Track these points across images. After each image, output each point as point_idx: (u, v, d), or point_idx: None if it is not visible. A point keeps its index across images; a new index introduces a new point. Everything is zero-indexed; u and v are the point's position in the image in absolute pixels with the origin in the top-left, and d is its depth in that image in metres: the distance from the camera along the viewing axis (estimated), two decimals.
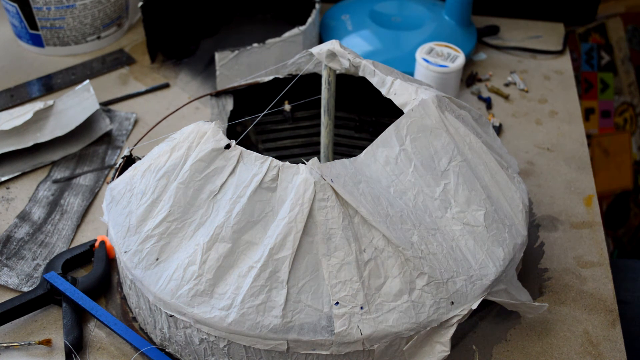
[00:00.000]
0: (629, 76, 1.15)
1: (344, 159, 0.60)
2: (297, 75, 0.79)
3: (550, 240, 0.74)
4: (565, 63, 0.96)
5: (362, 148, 0.84)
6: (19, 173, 0.79)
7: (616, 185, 1.14)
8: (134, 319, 0.66)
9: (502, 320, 0.67)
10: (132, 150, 0.71)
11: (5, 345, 0.63)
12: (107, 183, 0.78)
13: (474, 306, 0.58)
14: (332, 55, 0.68)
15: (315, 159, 0.58)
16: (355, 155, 0.61)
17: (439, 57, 0.85)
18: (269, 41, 0.86)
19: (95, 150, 0.82)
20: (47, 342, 0.64)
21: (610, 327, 0.67)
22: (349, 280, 0.56)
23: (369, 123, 0.83)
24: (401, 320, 0.56)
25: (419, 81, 0.71)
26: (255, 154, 0.59)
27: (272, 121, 0.83)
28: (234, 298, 0.57)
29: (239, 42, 0.98)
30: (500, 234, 0.61)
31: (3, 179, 0.78)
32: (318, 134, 0.83)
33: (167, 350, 0.62)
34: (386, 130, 0.62)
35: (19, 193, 0.78)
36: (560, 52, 0.97)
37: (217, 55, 0.86)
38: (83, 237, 0.73)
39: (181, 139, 0.62)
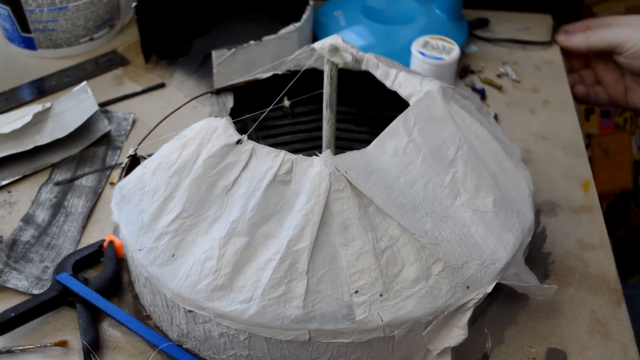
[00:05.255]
0: None
1: (354, 151, 0.61)
2: (296, 71, 0.79)
3: (552, 225, 0.76)
4: (554, 54, 0.98)
5: (362, 141, 0.85)
6: (20, 176, 0.79)
7: (616, 185, 1.14)
8: (148, 317, 0.66)
9: (511, 304, 0.68)
10: (136, 149, 0.72)
11: (21, 348, 0.63)
12: (111, 183, 0.79)
13: (489, 290, 0.59)
14: (334, 49, 0.69)
15: (328, 151, 0.59)
16: (356, 149, 0.62)
17: (435, 50, 0.86)
18: (266, 38, 0.86)
19: (95, 151, 0.82)
20: (63, 344, 0.64)
21: (616, 306, 0.68)
22: (368, 269, 0.57)
23: (368, 116, 0.84)
24: (420, 306, 0.57)
25: (419, 73, 0.72)
26: (267, 148, 0.60)
27: (272, 117, 0.83)
28: (253, 291, 0.57)
29: (232, 41, 0.99)
30: (509, 219, 0.63)
31: (4, 182, 0.78)
32: (317, 129, 0.84)
33: (184, 346, 0.63)
34: (394, 121, 0.63)
35: (21, 196, 0.77)
36: (549, 43, 0.99)
37: (214, 54, 0.86)
38: (89, 238, 0.73)
39: (191, 136, 0.62)
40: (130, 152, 0.71)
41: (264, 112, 0.68)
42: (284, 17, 1.01)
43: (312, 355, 0.59)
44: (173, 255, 0.60)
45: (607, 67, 0.94)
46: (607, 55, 0.93)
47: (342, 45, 0.69)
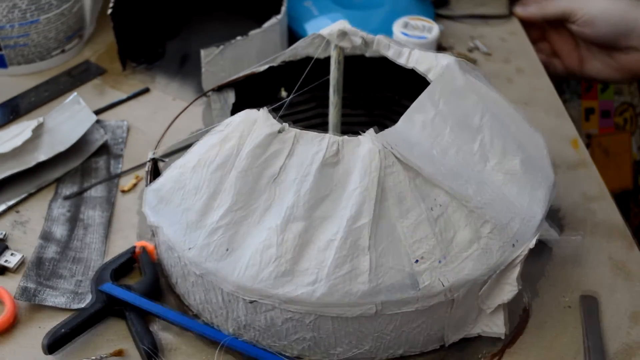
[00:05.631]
0: None
1: (389, 128, 0.63)
2: (291, 61, 0.80)
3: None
4: (515, 25, 1.03)
5: (361, 124, 0.87)
6: (26, 195, 0.77)
7: (616, 185, 1.15)
8: (196, 316, 0.66)
9: (536, 260, 0.72)
10: (155, 152, 0.71)
11: None
12: (122, 191, 0.78)
13: (532, 245, 0.63)
14: (343, 34, 0.71)
15: (371, 129, 0.61)
16: (358, 132, 0.63)
17: (416, 30, 0.89)
18: (251, 33, 0.87)
19: (96, 161, 0.81)
20: (120, 353, 0.63)
21: (630, 249, 0.73)
22: (425, 238, 0.59)
23: (362, 99, 0.86)
24: (475, 267, 0.60)
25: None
26: (311, 133, 0.61)
27: (271, 110, 0.84)
28: (318, 272, 0.58)
29: (203, 41, 0.98)
30: (535, 178, 0.66)
31: (10, 203, 0.76)
32: (316, 116, 0.85)
33: (241, 339, 0.63)
34: (420, 96, 0.65)
35: (32, 214, 0.75)
36: (508, 16, 1.04)
37: (202, 53, 0.86)
38: (115, 247, 0.72)
39: (230, 130, 0.63)
40: (150, 155, 0.71)
41: (289, 98, 0.69)
42: (248, 14, 1.02)
43: (376, 328, 0.61)
44: (227, 249, 0.60)
45: (563, 38, 0.99)
46: (562, 26, 0.98)
47: (351, 30, 0.70)
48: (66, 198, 0.77)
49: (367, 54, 0.81)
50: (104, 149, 0.82)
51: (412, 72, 0.80)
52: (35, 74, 0.93)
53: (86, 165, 0.80)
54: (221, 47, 0.86)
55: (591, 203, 0.78)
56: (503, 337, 0.64)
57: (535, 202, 0.65)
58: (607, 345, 0.65)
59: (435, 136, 0.64)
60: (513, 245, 0.62)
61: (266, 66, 0.81)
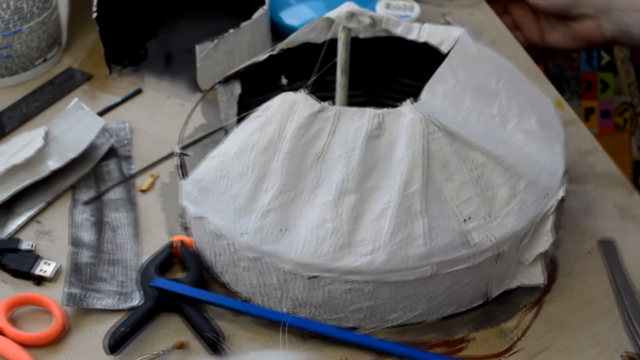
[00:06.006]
0: (629, 76, 1.16)
1: (420, 100, 0.65)
2: (289, 48, 0.82)
3: None
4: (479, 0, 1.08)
5: (361, 104, 0.89)
6: (44, 204, 0.75)
7: None
8: (247, 300, 0.67)
9: None
10: (180, 147, 0.72)
11: (144, 358, 0.62)
12: (141, 191, 0.78)
13: (560, 195, 0.67)
14: (351, 15, 0.73)
15: (407, 100, 0.64)
16: None
17: (399, 10, 0.92)
18: (243, 24, 0.88)
19: (106, 165, 0.80)
20: (182, 345, 0.63)
21: (631, 195, 0.79)
22: (470, 198, 0.63)
23: (359, 79, 0.88)
24: (517, 222, 0.64)
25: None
26: (351, 109, 0.63)
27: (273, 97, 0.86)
28: (375, 241, 0.61)
29: (182, 39, 0.99)
30: (550, 134, 0.71)
31: (30, 214, 0.74)
32: (320, 100, 0.87)
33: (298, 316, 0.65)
34: (440, 67, 0.69)
35: (54, 223, 0.74)
36: None
37: (197, 48, 0.86)
38: (148, 246, 0.72)
39: (270, 114, 0.64)
40: (177, 150, 0.71)
41: (310, 80, 0.71)
42: (222, 9, 1.03)
43: (430, 290, 0.63)
44: (282, 230, 0.62)
45: (523, 11, 1.04)
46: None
47: (359, 10, 0.73)
48: (86, 203, 0.76)
49: (361, 36, 0.83)
50: (111, 152, 0.81)
51: (405, 50, 0.84)
52: (19, 86, 0.91)
53: (97, 169, 0.80)
54: (215, 41, 0.87)
55: (587, 157, 0.83)
56: (542, 286, 0.68)
57: (555, 156, 0.69)
58: (632, 283, 0.70)
59: (456, 104, 0.68)
60: (544, 197, 0.66)
61: (266, 55, 0.83)
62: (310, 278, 0.62)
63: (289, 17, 1.00)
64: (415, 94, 0.85)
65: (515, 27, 1.06)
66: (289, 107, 0.63)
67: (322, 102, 0.63)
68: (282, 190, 0.62)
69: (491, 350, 0.65)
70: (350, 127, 0.62)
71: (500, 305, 0.68)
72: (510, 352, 0.64)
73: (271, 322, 0.65)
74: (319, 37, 0.81)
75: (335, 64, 0.87)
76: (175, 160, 0.71)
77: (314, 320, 0.65)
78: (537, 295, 0.69)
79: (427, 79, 0.84)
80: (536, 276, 0.67)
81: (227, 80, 0.81)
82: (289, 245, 0.61)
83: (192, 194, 0.66)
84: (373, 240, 0.61)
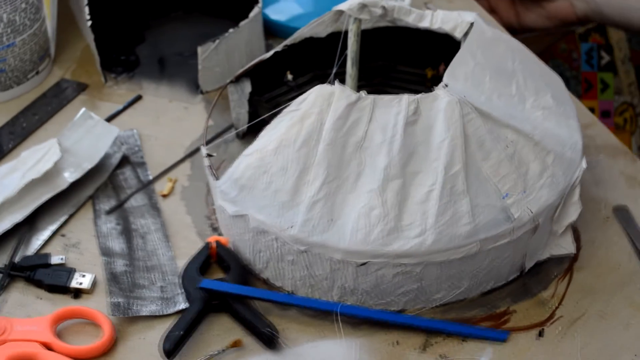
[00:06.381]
0: (629, 76, 1.16)
1: (446, 84, 0.67)
2: (293, 44, 0.83)
3: None
4: None
5: None
6: (67, 217, 0.74)
7: None
8: (291, 293, 0.68)
9: None
10: (207, 149, 0.72)
11: None
12: (163, 196, 0.77)
13: (584, 165, 0.70)
14: (362, 6, 0.74)
15: (441, 84, 0.65)
16: None
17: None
18: (242, 23, 0.88)
19: (122, 173, 0.79)
20: (237, 343, 0.63)
21: (634, 163, 0.82)
22: (507, 174, 0.65)
23: (361, 70, 0.89)
24: (550, 194, 0.66)
25: None
26: (387, 96, 0.64)
27: (279, 94, 0.86)
28: (423, 223, 0.62)
29: (171, 42, 0.98)
30: (565, 110, 0.73)
31: (54, 228, 0.73)
32: None
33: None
34: (460, 51, 0.70)
35: (80, 235, 0.73)
36: None
37: (199, 50, 0.86)
38: (181, 249, 0.72)
39: (307, 107, 0.65)
40: (205, 152, 0.71)
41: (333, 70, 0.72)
42: (204, 11, 1.02)
43: (473, 267, 0.65)
44: (329, 220, 0.63)
45: None
46: None
47: (370, 2, 0.74)
48: (109, 212, 0.75)
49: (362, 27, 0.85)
50: (123, 159, 0.80)
51: (402, 39, 0.86)
52: (14, 101, 0.89)
53: (113, 178, 0.78)
54: (217, 41, 0.87)
55: (587, 130, 0.86)
56: (573, 255, 0.71)
57: (573, 130, 0.72)
58: None
59: (477, 85, 0.70)
60: (570, 169, 0.68)
61: (271, 52, 0.83)
62: (360, 265, 0.63)
63: (275, 13, 1.00)
64: (415, 81, 0.88)
65: (491, 11, 1.09)
66: (326, 98, 0.64)
67: (359, 92, 0.64)
68: (326, 181, 0.63)
69: (533, 320, 0.67)
70: (387, 114, 0.64)
71: (535, 277, 0.70)
72: (552, 321, 0.67)
73: (319, 313, 0.66)
74: (323, 31, 0.82)
75: (334, 57, 0.89)
76: (205, 162, 0.71)
77: (363, 306, 0.66)
78: (566, 264, 0.71)
79: (425, 65, 0.87)
80: (566, 246, 0.70)
81: (237, 79, 0.81)
82: (339, 235, 0.62)
83: (231, 193, 0.66)
84: (422, 222, 0.62)
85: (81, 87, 0.91)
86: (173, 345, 0.61)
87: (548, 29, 1.12)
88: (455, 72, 0.69)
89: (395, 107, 0.64)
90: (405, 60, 0.88)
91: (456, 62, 0.70)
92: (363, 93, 0.64)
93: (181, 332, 0.62)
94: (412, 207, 0.63)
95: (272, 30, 0.98)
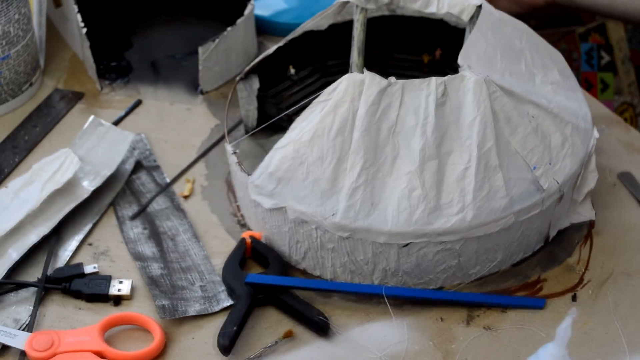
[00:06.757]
0: (629, 76, 1.16)
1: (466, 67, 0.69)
2: (294, 38, 0.83)
3: None
4: None
5: None
6: (92, 226, 0.73)
7: None
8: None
9: None
10: (233, 145, 0.72)
11: (257, 354, 0.62)
12: (185, 197, 0.77)
13: (597, 135, 0.73)
14: None
15: (465, 65, 0.67)
16: None
17: None
18: (239, 21, 0.88)
19: (138, 177, 0.78)
20: (289, 334, 0.64)
21: (628, 131, 0.86)
22: (534, 147, 0.67)
23: None
24: (572, 163, 0.69)
25: None
26: (416, 80, 0.66)
27: (284, 89, 0.87)
28: (462, 200, 0.64)
29: (160, 45, 0.98)
30: (570, 83, 0.76)
31: (80, 237, 0.72)
32: (323, 86, 0.87)
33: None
34: (471, 34, 0.72)
35: (107, 243, 0.72)
36: None
37: (200, 50, 0.86)
38: (213, 248, 0.72)
39: (338, 96, 0.66)
40: (231, 150, 0.71)
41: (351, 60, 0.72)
42: (186, 12, 1.02)
43: (508, 239, 0.68)
44: (372, 204, 0.64)
45: None
46: None
47: None
48: (133, 218, 0.74)
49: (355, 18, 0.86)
50: (137, 164, 0.80)
51: (396, 28, 0.88)
52: (9, 114, 0.87)
53: (130, 184, 0.78)
54: (217, 40, 0.87)
55: None
56: (593, 220, 0.74)
57: (580, 102, 0.75)
58: None
59: (490, 65, 0.72)
60: (586, 138, 0.72)
61: (274, 47, 0.84)
62: (403, 246, 0.65)
63: (258, 8, 1.00)
64: (413, 67, 0.90)
65: None
66: (357, 86, 0.65)
67: (389, 77, 0.66)
68: (365, 166, 0.64)
69: (565, 286, 0.70)
70: (417, 97, 0.65)
71: (558, 245, 0.73)
72: (582, 284, 0.70)
73: (361, 297, 0.68)
74: (325, 23, 0.83)
75: (330, 49, 0.90)
76: (233, 159, 0.71)
77: (405, 287, 0.67)
78: (585, 230, 0.74)
79: (420, 52, 0.89)
80: (586, 213, 0.73)
81: (246, 76, 0.81)
82: (381, 218, 0.64)
83: (267, 187, 0.67)
84: (461, 199, 0.64)
85: (77, 96, 0.89)
86: (229, 341, 0.61)
87: (519, 15, 1.16)
88: (469, 54, 0.71)
89: (425, 90, 0.65)
90: (401, 48, 0.90)
91: (468, 43, 0.72)
92: (392, 79, 0.66)
93: (235, 328, 0.62)
94: (449, 185, 0.64)
95: (258, 27, 0.98)
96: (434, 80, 0.66)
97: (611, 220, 0.76)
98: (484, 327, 0.66)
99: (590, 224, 0.75)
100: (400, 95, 0.65)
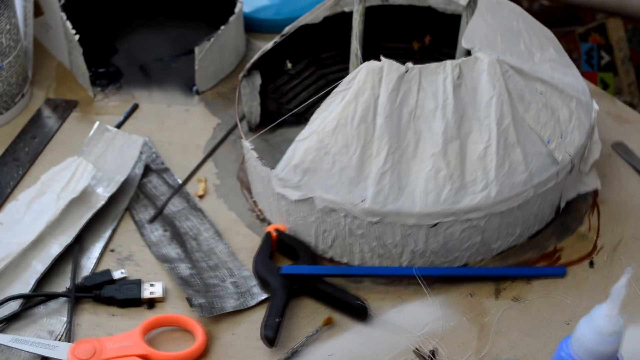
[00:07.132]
0: (629, 76, 1.17)
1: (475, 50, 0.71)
2: (290, 33, 0.84)
3: None
4: None
5: None
6: (111, 232, 0.73)
7: None
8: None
9: None
10: (250, 141, 0.73)
11: (301, 344, 0.63)
12: (200, 197, 0.77)
13: (597, 108, 0.76)
14: None
15: (477, 47, 0.69)
16: None
17: None
18: (231, 19, 0.89)
19: (148, 181, 0.78)
20: (329, 321, 0.65)
21: (613, 103, 0.90)
22: (546, 122, 0.70)
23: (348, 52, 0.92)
24: (580, 136, 0.72)
25: None
26: (432, 64, 0.67)
27: (282, 84, 0.87)
28: (485, 177, 0.66)
29: (145, 49, 0.97)
30: (565, 59, 0.79)
31: (101, 244, 0.71)
32: (320, 78, 0.89)
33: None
34: (473, 19, 0.74)
35: (130, 248, 0.72)
36: None
37: (196, 50, 0.86)
38: (236, 244, 0.72)
39: (359, 84, 0.67)
40: (249, 146, 0.72)
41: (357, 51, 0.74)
42: (168, 14, 1.02)
43: (527, 212, 0.70)
44: (399, 188, 0.65)
45: None
46: None
47: None
48: (151, 221, 0.74)
49: (347, 9, 0.87)
50: (145, 168, 0.79)
51: (384, 17, 0.89)
52: (4, 127, 0.85)
53: (142, 188, 0.77)
54: (212, 39, 0.87)
55: None
56: (599, 189, 0.77)
57: (577, 78, 0.78)
58: None
59: (492, 46, 0.74)
60: (589, 111, 0.75)
61: (272, 43, 0.84)
62: (432, 226, 0.66)
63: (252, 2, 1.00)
64: (404, 55, 0.92)
65: None
66: (376, 74, 0.66)
67: (407, 62, 0.67)
68: (390, 151, 0.66)
69: (581, 254, 0.73)
70: (434, 81, 0.67)
71: (568, 215, 0.76)
72: (597, 251, 0.73)
73: (391, 280, 0.69)
74: (320, 16, 0.84)
75: (323, 42, 0.91)
76: (252, 154, 0.71)
77: (433, 266, 0.69)
78: (590, 200, 0.78)
79: (409, 39, 0.91)
80: (592, 183, 0.76)
81: (248, 73, 0.81)
82: (411, 200, 0.65)
83: (292, 179, 0.67)
84: (484, 176, 0.66)
85: (71, 105, 0.88)
86: (274, 332, 0.62)
87: None
88: (472, 37, 0.74)
89: (441, 73, 0.67)
90: (391, 37, 0.91)
91: (471, 26, 0.74)
92: (410, 64, 0.67)
93: (278, 319, 0.63)
94: (472, 164, 0.66)
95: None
96: (449, 64, 0.67)
97: (612, 189, 0.79)
98: (513, 299, 0.69)
99: (595, 194, 0.78)
100: (418, 80, 0.67)
